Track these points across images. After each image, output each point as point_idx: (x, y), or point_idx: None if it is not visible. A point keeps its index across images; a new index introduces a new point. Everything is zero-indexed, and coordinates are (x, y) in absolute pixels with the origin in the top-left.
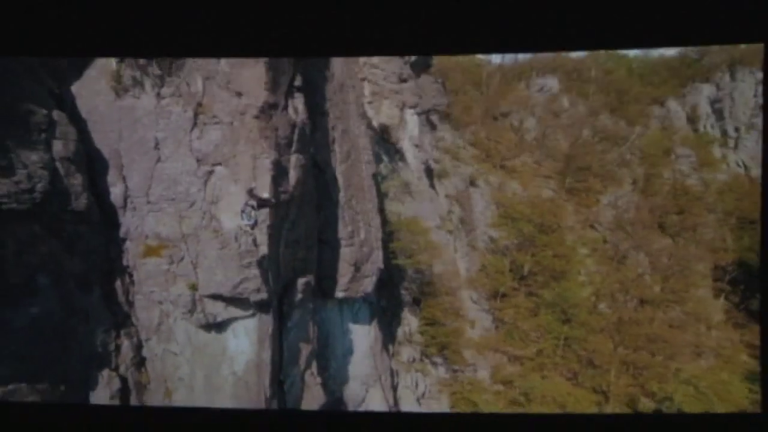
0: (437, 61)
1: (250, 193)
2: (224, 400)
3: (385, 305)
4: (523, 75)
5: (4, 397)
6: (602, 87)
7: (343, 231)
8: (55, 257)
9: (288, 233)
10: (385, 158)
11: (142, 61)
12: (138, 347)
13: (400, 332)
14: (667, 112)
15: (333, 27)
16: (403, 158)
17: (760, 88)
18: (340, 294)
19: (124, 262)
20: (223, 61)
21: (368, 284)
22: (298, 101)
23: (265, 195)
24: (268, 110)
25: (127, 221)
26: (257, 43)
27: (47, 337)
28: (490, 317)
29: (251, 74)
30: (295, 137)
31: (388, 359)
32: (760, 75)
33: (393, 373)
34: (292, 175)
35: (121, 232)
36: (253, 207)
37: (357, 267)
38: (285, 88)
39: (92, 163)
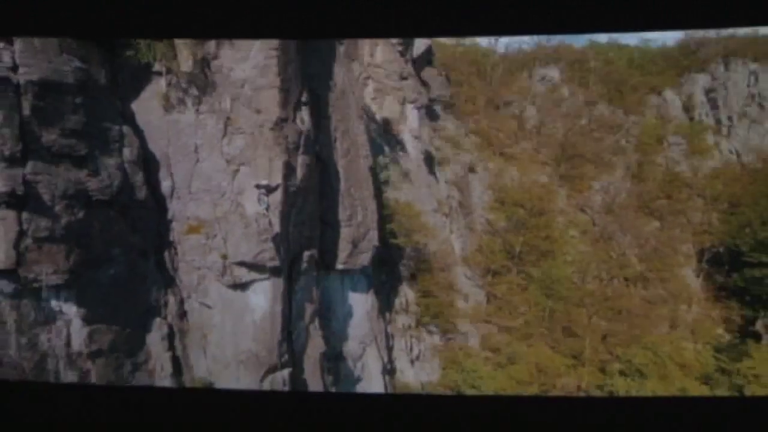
0: (441, 54)
1: (258, 186)
2: (246, 342)
3: (384, 279)
4: (526, 66)
5: (90, 335)
6: (602, 77)
7: (342, 214)
8: (123, 234)
9: (296, 216)
10: (387, 149)
11: (184, 84)
12: (181, 302)
13: (398, 303)
14: (663, 101)
15: (336, 8)
16: (403, 148)
17: (753, 79)
18: (340, 266)
19: (171, 238)
20: (247, 86)
21: (365, 258)
22: (305, 113)
23: (265, 182)
24: (280, 123)
25: (174, 207)
26: (256, 25)
27: (118, 292)
28: (482, 292)
29: (267, 95)
30: (302, 142)
31: (383, 324)
32: (752, 66)
33: (388, 336)
34: (299, 172)
35: (169, 216)
36: (264, 194)
37: (354, 244)
38: (294, 104)
39: (148, 163)
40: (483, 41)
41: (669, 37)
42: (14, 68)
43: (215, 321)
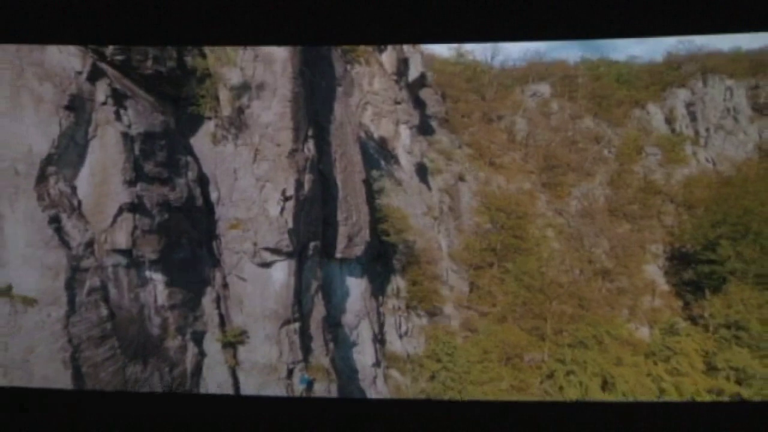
0: (438, 73)
1: (283, 193)
2: (270, 303)
3: (379, 270)
4: (519, 82)
5: (169, 295)
6: (590, 92)
7: (340, 216)
8: (187, 229)
9: (305, 217)
10: (382, 162)
11: (226, 126)
12: (224, 276)
13: (389, 289)
14: (646, 114)
15: (333, 17)
16: (397, 162)
17: (728, 94)
18: (338, 255)
19: (218, 232)
20: (270, 127)
21: (358, 250)
22: (311, 144)
23: (289, 193)
24: (293, 152)
25: (220, 211)
26: (258, 32)
27: (184, 269)
28: (466, 283)
29: (284, 134)
30: (308, 165)
31: (376, 304)
32: (728, 82)
33: (380, 314)
34: (306, 186)
35: (216, 217)
36: (282, 200)
37: (350, 239)
38: (303, 138)
39: (202, 181)
40: (479, 58)
41: (655, 53)
42: (129, 126)
43: (248, 289)
